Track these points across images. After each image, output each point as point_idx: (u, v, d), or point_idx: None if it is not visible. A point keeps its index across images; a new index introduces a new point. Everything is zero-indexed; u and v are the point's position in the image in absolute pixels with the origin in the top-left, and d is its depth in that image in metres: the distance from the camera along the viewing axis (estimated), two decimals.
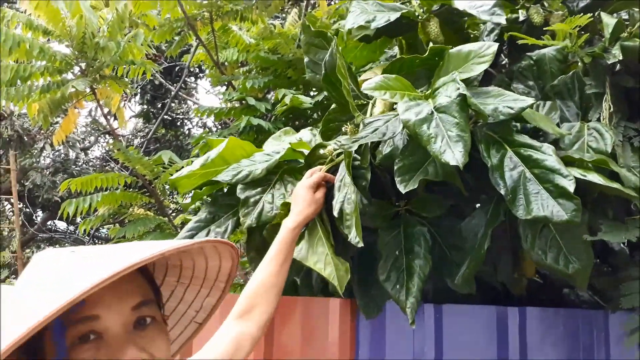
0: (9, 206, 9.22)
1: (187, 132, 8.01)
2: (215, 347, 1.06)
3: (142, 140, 6.96)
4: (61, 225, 8.74)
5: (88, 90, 3.12)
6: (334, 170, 1.45)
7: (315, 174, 1.41)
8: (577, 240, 1.33)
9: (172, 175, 3.10)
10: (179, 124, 7.97)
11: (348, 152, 1.35)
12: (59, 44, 3.13)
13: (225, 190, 1.77)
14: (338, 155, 1.45)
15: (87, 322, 0.69)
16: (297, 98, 2.48)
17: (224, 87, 3.50)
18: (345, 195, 1.31)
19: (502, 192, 1.21)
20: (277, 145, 1.67)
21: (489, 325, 1.72)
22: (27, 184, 7.26)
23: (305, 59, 1.67)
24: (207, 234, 1.62)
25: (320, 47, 1.67)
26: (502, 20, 1.48)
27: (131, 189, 3.35)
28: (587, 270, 1.32)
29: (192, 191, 1.71)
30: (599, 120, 1.49)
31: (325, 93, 1.75)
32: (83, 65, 3.05)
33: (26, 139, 6.17)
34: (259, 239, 1.56)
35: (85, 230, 3.46)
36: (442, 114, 1.26)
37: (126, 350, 0.69)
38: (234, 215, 1.64)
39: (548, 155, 1.21)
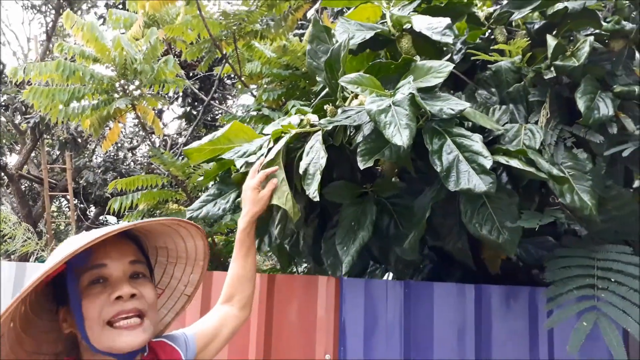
0: (65, 202, 9.95)
1: None
2: (206, 321, 1.35)
3: (185, 139, 7.55)
4: (112, 219, 9.39)
5: (129, 106, 3.67)
6: (305, 135, 1.78)
7: (256, 176, 1.61)
8: (508, 216, 1.61)
9: (200, 176, 3.56)
10: (217, 124, 8.57)
11: (324, 130, 1.68)
12: (105, 68, 3.75)
13: (230, 171, 2.11)
14: (312, 125, 1.78)
15: (97, 269, 0.98)
16: (302, 109, 2.82)
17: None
18: (312, 159, 1.62)
19: (438, 170, 1.51)
20: (274, 127, 2.01)
21: (449, 299, 1.99)
22: (81, 182, 7.90)
23: (308, 47, 2.01)
24: (214, 205, 1.96)
25: (323, 40, 2.02)
26: (450, 40, 1.78)
27: (167, 188, 3.80)
28: (515, 240, 1.60)
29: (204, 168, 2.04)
30: (536, 123, 1.78)
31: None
32: (125, 85, 3.62)
33: (79, 141, 6.77)
34: None
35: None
36: (397, 107, 1.57)
37: (123, 287, 0.98)
38: (236, 190, 1.98)
39: (475, 142, 1.51)
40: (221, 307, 1.40)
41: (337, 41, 1.91)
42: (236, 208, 2.02)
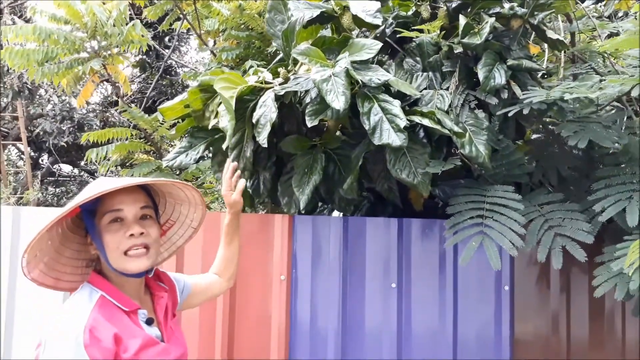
0: (16, 151, 9.91)
1: (180, 80, 8.83)
2: (202, 278, 1.75)
3: (139, 86, 7.66)
4: (66, 168, 9.45)
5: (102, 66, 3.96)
6: (259, 90, 2.17)
7: (224, 184, 1.85)
8: (421, 164, 2.09)
9: (167, 129, 3.90)
10: (173, 73, 8.77)
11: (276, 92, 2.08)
12: (76, 30, 4.03)
13: (198, 127, 2.48)
14: (267, 83, 2.17)
15: (115, 212, 1.27)
16: (259, 70, 3.17)
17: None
18: (263, 113, 2.03)
19: (367, 127, 1.95)
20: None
21: (378, 230, 2.49)
22: (37, 130, 7.97)
23: (267, 16, 2.39)
24: (187, 156, 2.35)
25: (279, 11, 2.40)
26: (379, 22, 2.18)
27: (135, 139, 4.11)
28: (426, 182, 2.08)
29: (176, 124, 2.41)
30: (447, 89, 2.23)
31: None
32: (95, 47, 3.94)
33: (32, 89, 6.82)
34: (220, 157, 2.30)
35: (103, 173, 4.23)
36: (336, 78, 1.98)
37: (134, 227, 1.32)
38: (204, 143, 2.36)
39: (394, 107, 1.96)
40: (213, 275, 1.81)
41: (292, 15, 2.27)
42: (200, 159, 2.42)
